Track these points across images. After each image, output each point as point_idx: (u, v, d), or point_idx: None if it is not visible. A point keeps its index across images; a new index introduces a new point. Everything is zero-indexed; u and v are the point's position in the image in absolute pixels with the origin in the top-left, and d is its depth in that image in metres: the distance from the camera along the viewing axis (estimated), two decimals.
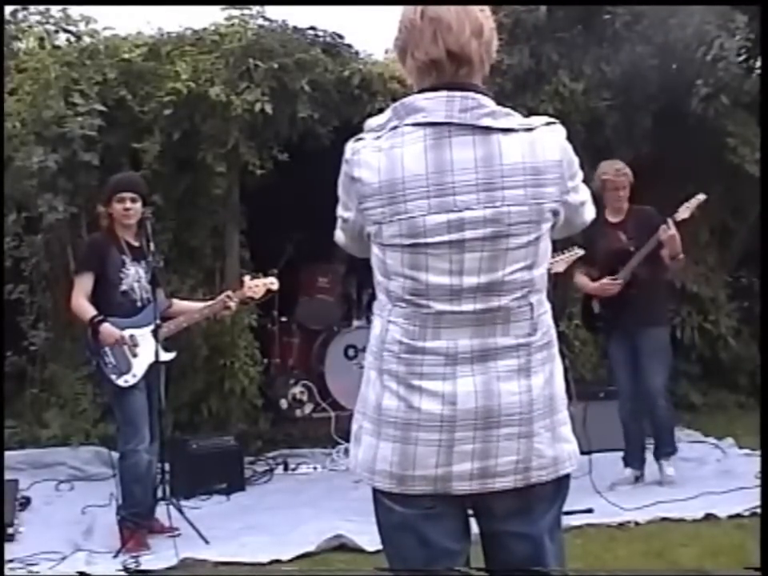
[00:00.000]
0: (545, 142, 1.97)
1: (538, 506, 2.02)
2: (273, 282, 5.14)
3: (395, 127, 1.97)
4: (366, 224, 2.00)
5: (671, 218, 5.21)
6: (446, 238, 1.92)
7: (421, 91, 1.99)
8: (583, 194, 2.09)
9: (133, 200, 4.79)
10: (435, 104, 1.95)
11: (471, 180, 1.92)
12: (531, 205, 1.94)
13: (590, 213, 2.14)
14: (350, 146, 2.02)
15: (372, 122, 2.05)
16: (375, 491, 2.04)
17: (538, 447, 1.97)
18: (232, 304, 4.99)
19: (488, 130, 1.93)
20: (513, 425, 1.96)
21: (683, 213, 5.26)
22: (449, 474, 1.95)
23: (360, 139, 2.01)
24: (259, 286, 5.08)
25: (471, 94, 1.95)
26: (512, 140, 1.94)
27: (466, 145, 1.93)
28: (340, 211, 2.09)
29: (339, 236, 2.15)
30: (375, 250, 2.01)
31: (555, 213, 1.99)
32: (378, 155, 1.96)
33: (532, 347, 1.98)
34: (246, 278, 5.18)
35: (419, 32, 1.96)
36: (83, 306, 4.73)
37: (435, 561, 1.99)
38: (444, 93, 1.95)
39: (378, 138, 1.98)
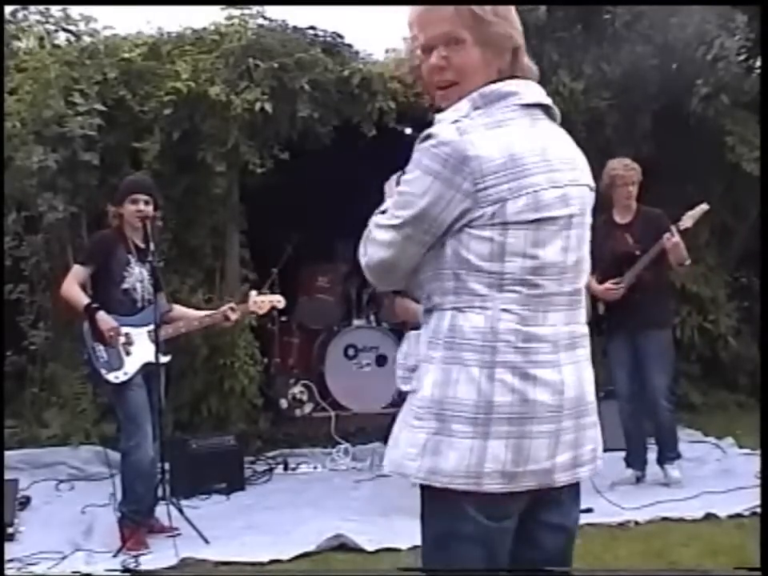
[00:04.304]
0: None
1: (576, 496, 2.02)
2: (279, 300, 5.14)
3: (483, 113, 1.91)
4: (478, 207, 1.85)
5: (675, 226, 5.21)
6: (560, 212, 1.92)
7: (496, 81, 1.95)
8: None
9: (146, 202, 4.81)
10: (523, 88, 1.97)
11: (564, 158, 1.97)
12: (591, 188, 2.04)
13: None
14: (451, 129, 1.87)
15: (448, 115, 1.93)
16: (457, 498, 1.87)
17: (599, 436, 2.02)
18: (233, 316, 4.99)
19: (554, 114, 2.04)
20: (592, 414, 1.99)
21: (687, 222, 5.25)
22: (554, 466, 1.91)
23: (456, 121, 1.88)
24: (265, 302, 5.08)
25: (532, 82, 2.02)
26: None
27: (551, 126, 2.01)
28: (407, 213, 1.90)
29: (389, 246, 1.94)
30: (487, 234, 1.86)
31: None
32: (490, 132, 1.88)
33: (587, 335, 2.02)
34: (253, 293, 5.18)
35: (510, 22, 1.99)
36: (75, 291, 4.73)
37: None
38: (521, 80, 1.99)
39: (473, 120, 1.90)
